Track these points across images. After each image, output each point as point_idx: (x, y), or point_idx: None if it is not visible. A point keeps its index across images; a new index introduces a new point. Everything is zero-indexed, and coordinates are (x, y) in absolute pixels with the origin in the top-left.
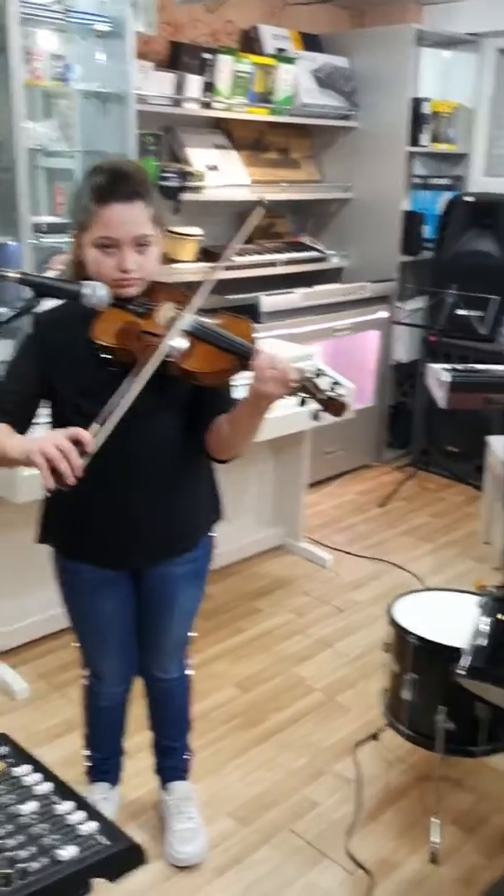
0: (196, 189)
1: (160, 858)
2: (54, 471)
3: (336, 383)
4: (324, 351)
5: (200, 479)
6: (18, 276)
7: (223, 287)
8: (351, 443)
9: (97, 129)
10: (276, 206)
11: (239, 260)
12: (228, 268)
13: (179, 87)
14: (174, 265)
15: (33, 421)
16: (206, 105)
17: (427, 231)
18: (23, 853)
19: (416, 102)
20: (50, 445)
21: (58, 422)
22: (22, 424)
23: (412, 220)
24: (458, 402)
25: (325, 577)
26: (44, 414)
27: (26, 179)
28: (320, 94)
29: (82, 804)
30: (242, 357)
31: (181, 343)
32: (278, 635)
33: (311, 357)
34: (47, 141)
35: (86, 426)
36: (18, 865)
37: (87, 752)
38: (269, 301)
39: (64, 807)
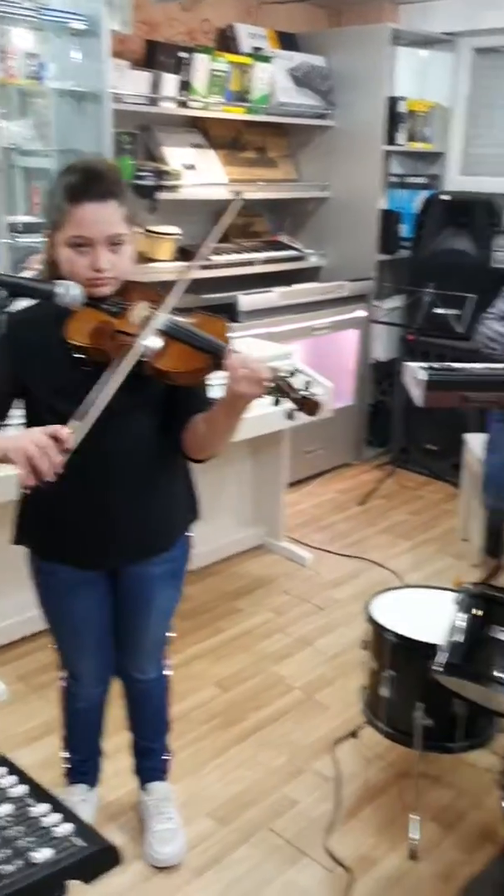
0: (173, 188)
1: (139, 859)
2: (34, 468)
3: (310, 382)
4: (303, 350)
5: (177, 478)
6: None
7: (201, 286)
8: (330, 442)
9: (73, 128)
10: (254, 205)
11: (216, 259)
12: (206, 267)
13: (155, 85)
14: (151, 264)
15: (6, 421)
16: (183, 104)
17: (404, 230)
18: None
19: (393, 101)
20: (29, 442)
21: (32, 422)
22: None
23: (389, 219)
24: (435, 400)
25: (305, 576)
26: (17, 415)
27: (2, 179)
28: (297, 93)
29: (58, 806)
30: (216, 356)
31: (155, 342)
32: (258, 634)
33: (289, 356)
34: (22, 140)
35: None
36: None
37: (66, 754)
38: (246, 300)
39: (39, 809)
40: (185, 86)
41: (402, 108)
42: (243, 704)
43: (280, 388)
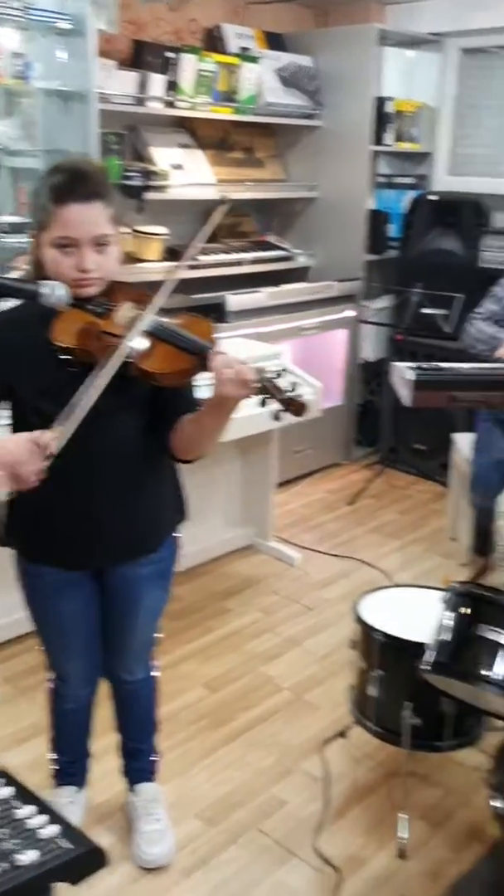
0: (160, 188)
1: (128, 860)
2: (15, 475)
3: (296, 383)
4: (291, 350)
5: (164, 479)
6: None
7: (189, 286)
8: (320, 442)
9: (60, 128)
10: (242, 206)
11: (205, 259)
12: (194, 267)
13: (142, 86)
14: (140, 264)
15: None
16: (170, 104)
17: (392, 230)
18: None
19: (380, 102)
20: (10, 449)
21: (17, 423)
22: None
23: (377, 219)
24: (423, 400)
25: (294, 576)
26: (3, 416)
27: None
28: (284, 93)
29: (43, 808)
30: (202, 357)
31: (141, 343)
32: (247, 634)
33: (278, 356)
34: (9, 140)
35: (46, 427)
36: None
37: (53, 756)
38: (235, 300)
39: (24, 811)
40: (173, 86)
41: (390, 108)
42: (232, 705)
43: (266, 390)
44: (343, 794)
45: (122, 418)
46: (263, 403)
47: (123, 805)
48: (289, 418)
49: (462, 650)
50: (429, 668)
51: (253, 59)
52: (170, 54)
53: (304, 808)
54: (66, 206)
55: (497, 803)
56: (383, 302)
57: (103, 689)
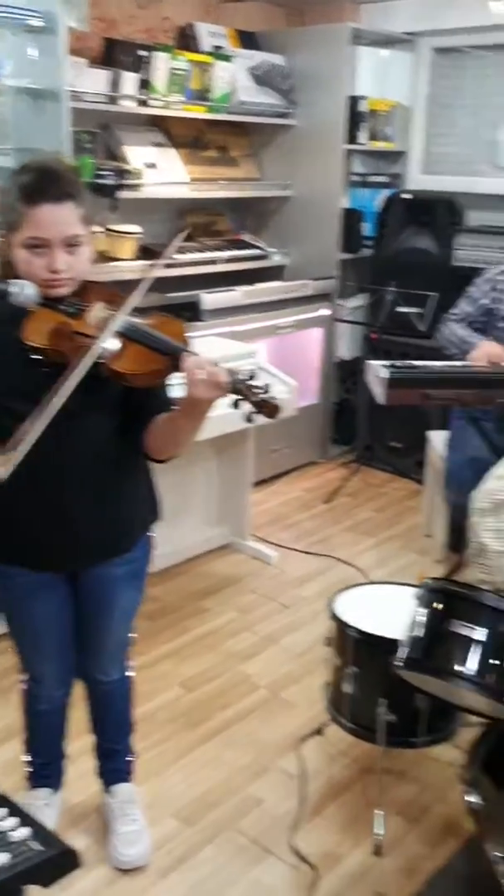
0: (134, 187)
1: (104, 862)
2: None
3: (269, 385)
4: (267, 349)
5: (138, 479)
6: None
7: (164, 285)
8: (296, 440)
9: (31, 127)
10: (216, 204)
11: (179, 258)
12: (169, 266)
13: (115, 84)
14: (113, 263)
15: None
16: (143, 103)
17: (366, 229)
18: None
19: (354, 101)
20: None
21: None
22: None
23: (351, 218)
24: (397, 398)
25: (271, 575)
26: None
27: None
28: (258, 91)
29: (15, 810)
30: (174, 358)
31: (113, 344)
32: (224, 633)
33: (253, 355)
34: None
35: (17, 427)
36: None
37: (28, 758)
38: (210, 299)
39: None
40: (145, 84)
41: (364, 107)
42: (209, 704)
43: (239, 391)
44: (319, 792)
45: (94, 419)
46: (236, 405)
47: (99, 806)
48: (261, 420)
49: (435, 646)
50: (402, 664)
51: (226, 58)
52: (142, 52)
53: (281, 806)
54: (37, 207)
55: (471, 798)
56: (358, 300)
57: (78, 691)
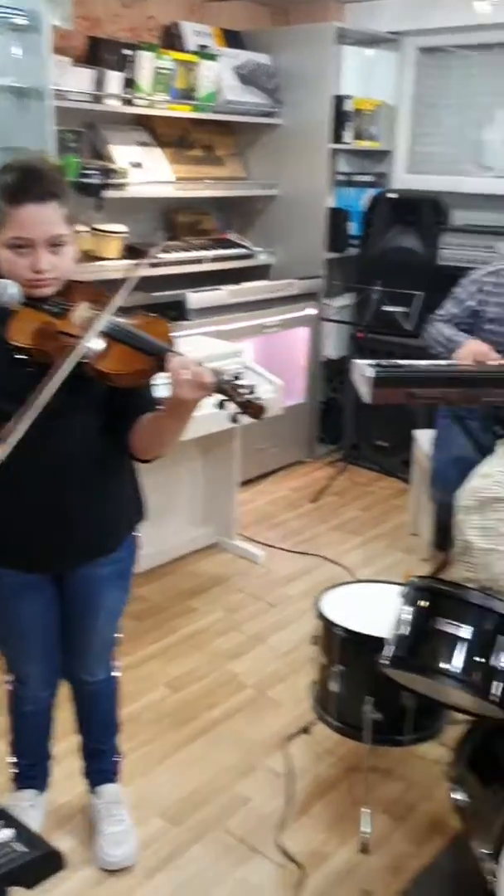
0: (119, 186)
1: (90, 863)
2: None
3: (254, 385)
4: (253, 348)
5: (123, 478)
6: None
7: (149, 284)
8: (283, 439)
9: (15, 126)
10: (202, 203)
11: (165, 257)
12: (154, 265)
13: (99, 83)
14: (99, 263)
15: None
16: (128, 102)
17: (352, 228)
18: None
19: (339, 100)
20: None
21: None
22: None
23: (337, 217)
24: (382, 397)
25: (258, 574)
26: None
27: None
28: (243, 91)
29: None
30: (159, 358)
31: (97, 344)
32: (211, 633)
33: (239, 354)
34: None
35: (1, 427)
36: None
37: (13, 759)
38: (195, 298)
39: None
40: (130, 83)
41: (349, 106)
42: (195, 703)
43: (224, 391)
44: (306, 791)
45: (79, 418)
46: (221, 405)
47: (85, 807)
48: (247, 420)
49: (420, 644)
50: (388, 662)
51: (211, 57)
52: (127, 51)
53: (268, 805)
54: (21, 207)
55: (457, 796)
56: (344, 300)
57: (64, 691)
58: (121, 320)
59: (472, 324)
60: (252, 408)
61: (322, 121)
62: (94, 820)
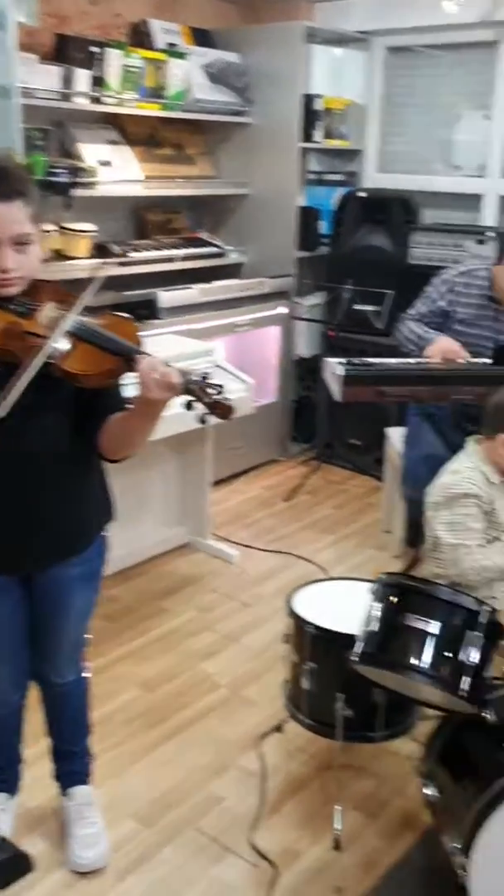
0: (88, 185)
1: (62, 865)
2: None
3: (222, 386)
4: (225, 347)
5: (92, 479)
6: None
7: (120, 283)
8: (256, 439)
9: None
10: (173, 202)
11: (135, 256)
12: (125, 264)
13: (67, 80)
14: (68, 262)
15: None
16: (96, 100)
17: (323, 227)
18: None
19: (309, 99)
20: None
21: None
22: None
23: (308, 216)
24: (353, 395)
25: (231, 573)
26: None
27: None
28: (213, 89)
29: None
30: (126, 358)
31: (63, 344)
32: (184, 633)
33: (210, 353)
34: None
35: None
36: None
37: None
38: (166, 296)
39: None
40: (98, 81)
41: (319, 105)
42: (168, 704)
43: (192, 392)
44: (278, 789)
45: (48, 418)
46: (189, 406)
47: (57, 809)
48: (215, 421)
49: (390, 640)
50: (357, 659)
51: (180, 55)
52: (94, 49)
53: (241, 804)
54: None
55: (428, 791)
56: (316, 298)
57: (34, 693)
58: (88, 320)
59: (441, 323)
60: (220, 408)
61: (292, 120)
62: (65, 822)
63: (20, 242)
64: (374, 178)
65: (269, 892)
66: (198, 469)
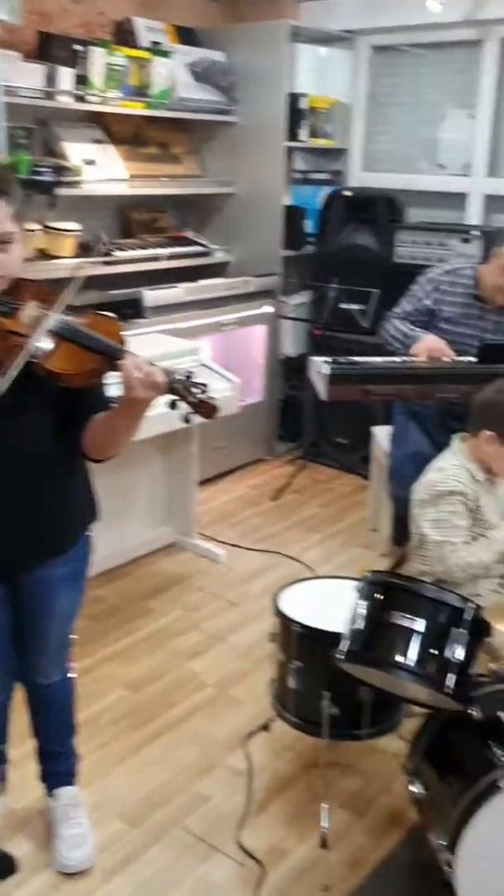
0: (73, 184)
1: (49, 866)
2: None
3: (206, 385)
4: (211, 346)
5: (76, 478)
6: None
7: (105, 282)
8: (242, 438)
9: None
10: (159, 201)
11: (121, 255)
12: (110, 263)
13: (50, 79)
14: (52, 261)
15: None
16: (80, 98)
17: (309, 226)
18: None
19: (294, 98)
20: None
21: None
22: None
23: (294, 215)
24: (338, 394)
25: (218, 573)
26: None
27: None
28: (197, 88)
29: None
30: (110, 357)
31: (46, 343)
32: (171, 632)
33: (196, 352)
34: None
35: None
36: None
37: None
38: (151, 295)
39: None
40: (82, 80)
41: (304, 104)
42: (155, 704)
43: (176, 391)
44: (265, 788)
45: (31, 418)
46: (173, 405)
47: (43, 810)
48: (199, 420)
49: (375, 638)
50: (343, 657)
51: (164, 54)
52: (78, 47)
53: (228, 802)
54: None
55: (414, 788)
56: (301, 297)
57: (19, 695)
58: (71, 319)
59: (427, 322)
60: (204, 407)
61: (277, 119)
62: (51, 823)
63: (2, 241)
64: (359, 176)
65: (255, 891)
66: (184, 468)
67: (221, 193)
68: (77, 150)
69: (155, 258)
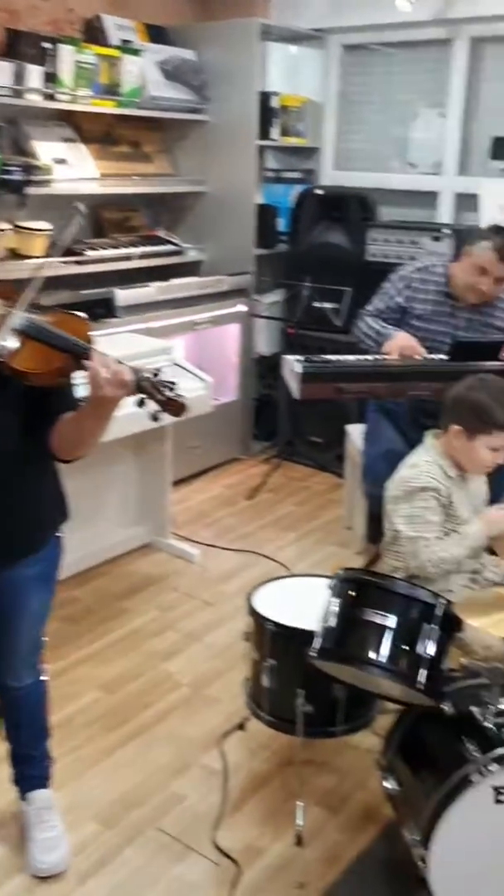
0: (43, 183)
1: (22, 870)
2: None
3: (175, 383)
4: (185, 345)
5: (46, 478)
6: None
7: (77, 281)
8: (216, 437)
9: None
10: (130, 200)
11: (92, 254)
12: (81, 262)
13: (19, 77)
14: (24, 260)
15: None
16: (50, 97)
17: (281, 224)
18: None
19: (265, 96)
20: None
21: None
22: None
23: (266, 214)
24: (311, 392)
25: (193, 572)
26: None
27: None
28: (168, 86)
29: None
30: (76, 356)
31: (11, 342)
32: (146, 633)
33: (169, 351)
34: None
35: None
36: None
37: None
38: (123, 295)
39: None
40: (52, 78)
41: (275, 103)
42: (130, 705)
43: (144, 390)
44: (240, 787)
45: None
46: (141, 403)
47: (16, 814)
48: (167, 418)
49: (348, 635)
50: (316, 654)
51: (135, 52)
52: (47, 45)
53: (203, 802)
54: None
55: (388, 784)
56: (274, 296)
57: None
58: (36, 317)
59: (399, 319)
60: (172, 405)
61: (249, 117)
62: (25, 826)
63: None
64: (331, 175)
65: (231, 891)
66: (157, 468)
67: (193, 192)
68: (47, 149)
69: (127, 257)
